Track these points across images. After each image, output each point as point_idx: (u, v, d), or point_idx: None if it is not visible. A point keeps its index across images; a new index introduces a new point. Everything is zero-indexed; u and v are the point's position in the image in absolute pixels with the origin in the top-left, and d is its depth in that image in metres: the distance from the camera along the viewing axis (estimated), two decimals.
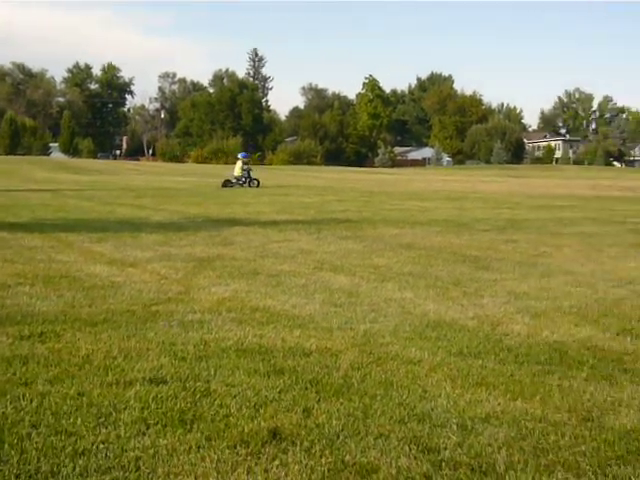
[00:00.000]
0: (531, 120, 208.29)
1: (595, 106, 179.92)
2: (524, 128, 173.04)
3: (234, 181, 39.68)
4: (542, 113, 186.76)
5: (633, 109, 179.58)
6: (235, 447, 4.24)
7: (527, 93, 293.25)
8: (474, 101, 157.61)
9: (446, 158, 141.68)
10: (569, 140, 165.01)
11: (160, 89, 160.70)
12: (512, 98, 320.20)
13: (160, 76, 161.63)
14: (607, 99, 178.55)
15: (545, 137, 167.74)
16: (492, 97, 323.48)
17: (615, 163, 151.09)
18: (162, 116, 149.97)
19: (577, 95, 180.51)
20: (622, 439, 4.51)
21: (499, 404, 5.07)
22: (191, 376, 5.48)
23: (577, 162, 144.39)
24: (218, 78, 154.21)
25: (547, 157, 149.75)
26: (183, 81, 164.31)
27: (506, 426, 4.66)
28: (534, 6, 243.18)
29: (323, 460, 4.08)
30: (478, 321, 7.66)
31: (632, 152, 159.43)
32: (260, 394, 5.13)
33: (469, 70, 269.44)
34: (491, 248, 13.82)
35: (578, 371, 5.91)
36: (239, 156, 43.42)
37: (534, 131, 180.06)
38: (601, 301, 8.93)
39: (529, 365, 6.07)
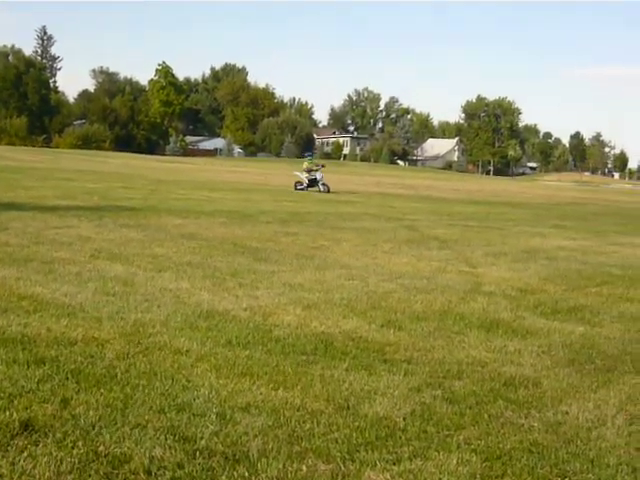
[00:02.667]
0: (321, 116, 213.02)
1: (382, 106, 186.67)
2: (314, 124, 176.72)
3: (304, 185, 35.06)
4: (332, 110, 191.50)
5: (417, 110, 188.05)
6: None
7: (318, 89, 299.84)
8: (267, 94, 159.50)
9: (238, 149, 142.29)
10: (357, 137, 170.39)
11: None
12: (304, 93, 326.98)
13: None
14: (393, 100, 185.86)
15: (334, 133, 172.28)
16: (284, 91, 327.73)
17: (399, 162, 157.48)
18: None
19: (366, 94, 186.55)
20: (373, 426, 4.72)
21: (261, 394, 5.17)
22: None
23: (364, 159, 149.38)
24: (2, 55, 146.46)
25: (336, 153, 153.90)
26: None
27: (265, 415, 4.76)
28: (327, 5, 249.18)
29: (75, 451, 4.01)
30: (251, 312, 7.75)
31: (415, 152, 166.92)
32: (17, 384, 4.95)
33: (263, 63, 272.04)
34: (272, 240, 14.02)
35: (340, 361, 6.12)
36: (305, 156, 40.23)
37: (324, 127, 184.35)
38: (371, 294, 9.28)
39: (295, 355, 6.22)
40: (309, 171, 35.26)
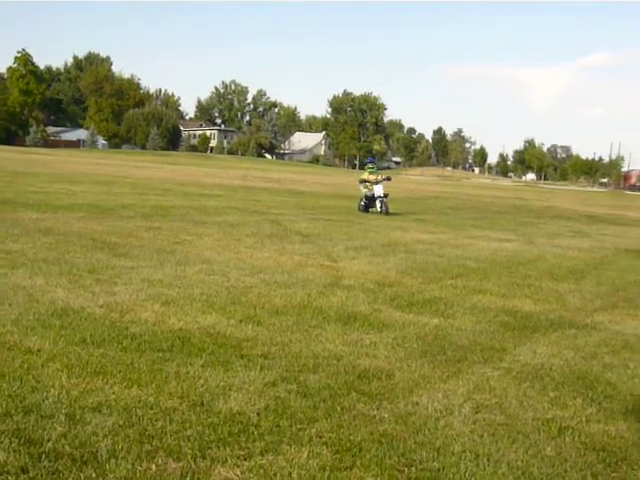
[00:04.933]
0: (188, 108, 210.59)
1: (250, 99, 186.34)
2: (181, 116, 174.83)
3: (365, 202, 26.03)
4: (199, 102, 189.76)
5: (284, 104, 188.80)
6: None
7: (185, 81, 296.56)
8: (132, 85, 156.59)
9: (102, 141, 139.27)
10: (224, 130, 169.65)
11: None
12: (170, 85, 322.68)
13: None
14: (261, 93, 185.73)
15: (201, 126, 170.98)
16: (150, 82, 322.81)
17: (267, 155, 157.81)
18: None
19: (233, 87, 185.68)
20: (227, 422, 4.73)
21: (113, 393, 5.09)
22: None
23: (231, 152, 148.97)
24: None
25: (202, 145, 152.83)
26: None
27: (116, 414, 4.70)
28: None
29: None
30: (107, 309, 7.61)
31: (283, 145, 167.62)
32: None
33: (128, 53, 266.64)
34: (133, 235, 13.80)
35: (197, 358, 6.10)
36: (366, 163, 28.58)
37: (191, 119, 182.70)
38: (231, 289, 9.27)
39: (150, 353, 6.15)
40: (372, 183, 25.87)
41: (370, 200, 25.58)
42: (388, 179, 26.92)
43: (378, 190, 25.33)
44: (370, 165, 27.07)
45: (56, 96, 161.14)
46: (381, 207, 25.18)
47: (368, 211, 25.38)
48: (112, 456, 4.09)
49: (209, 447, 4.34)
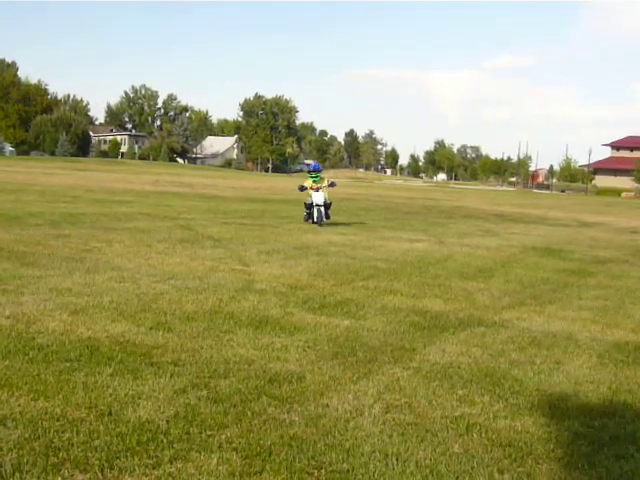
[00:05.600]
0: (98, 113, 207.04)
1: (160, 103, 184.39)
2: (91, 121, 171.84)
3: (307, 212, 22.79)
4: (109, 107, 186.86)
5: (196, 108, 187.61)
6: None
7: (94, 86, 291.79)
8: (39, 90, 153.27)
9: (9, 148, 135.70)
10: (135, 135, 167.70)
11: None
12: (78, 90, 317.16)
13: None
14: (172, 97, 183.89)
15: (112, 131, 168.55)
16: (58, 88, 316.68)
17: (179, 160, 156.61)
18: None
19: (143, 91, 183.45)
20: (135, 431, 4.69)
21: (19, 405, 4.99)
22: None
23: (142, 157, 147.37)
24: None
25: (113, 151, 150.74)
26: None
27: (22, 427, 4.61)
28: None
29: None
30: (13, 320, 7.45)
31: (195, 150, 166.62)
32: None
33: (34, 58, 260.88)
34: (41, 243, 13.53)
35: (106, 367, 6.03)
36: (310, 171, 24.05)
37: (101, 124, 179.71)
38: (142, 296, 9.18)
39: (58, 363, 6.05)
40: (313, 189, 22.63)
41: (310, 208, 22.33)
42: (332, 185, 22.99)
43: (317, 198, 22.09)
44: (313, 174, 23.00)
45: None
46: (318, 217, 21.99)
47: (313, 222, 22.14)
48: (17, 470, 4.01)
49: (117, 457, 4.30)
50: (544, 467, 4.68)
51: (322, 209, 22.09)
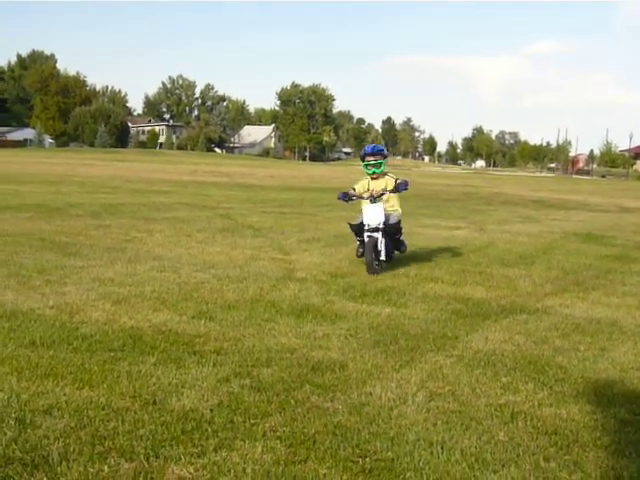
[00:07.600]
0: (136, 104, 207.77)
1: (198, 93, 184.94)
2: (129, 112, 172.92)
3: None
4: (147, 98, 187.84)
5: (233, 98, 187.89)
6: None
7: (132, 77, 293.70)
8: (78, 82, 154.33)
9: (49, 140, 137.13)
10: (173, 125, 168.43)
11: None
12: (117, 81, 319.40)
13: None
14: (209, 87, 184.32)
15: (150, 122, 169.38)
16: (97, 79, 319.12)
17: (216, 149, 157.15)
18: None
19: (180, 82, 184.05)
20: (180, 420, 4.70)
21: (65, 394, 5.03)
22: None
23: (180, 147, 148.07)
24: None
25: (151, 142, 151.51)
26: None
27: (68, 416, 4.64)
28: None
29: None
30: (57, 310, 7.52)
31: (232, 139, 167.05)
32: None
33: (73, 50, 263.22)
34: (82, 234, 13.65)
35: (149, 356, 6.05)
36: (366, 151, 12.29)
37: (139, 115, 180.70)
38: (183, 285, 9.22)
39: (101, 353, 6.09)
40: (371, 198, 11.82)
41: (359, 234, 11.73)
42: (401, 187, 11.99)
43: (370, 215, 11.57)
44: (372, 160, 12.04)
45: (1, 96, 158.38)
46: (369, 253, 11.18)
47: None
48: (64, 459, 4.04)
49: (162, 446, 4.31)
50: (591, 455, 4.61)
51: (379, 238, 11.40)
